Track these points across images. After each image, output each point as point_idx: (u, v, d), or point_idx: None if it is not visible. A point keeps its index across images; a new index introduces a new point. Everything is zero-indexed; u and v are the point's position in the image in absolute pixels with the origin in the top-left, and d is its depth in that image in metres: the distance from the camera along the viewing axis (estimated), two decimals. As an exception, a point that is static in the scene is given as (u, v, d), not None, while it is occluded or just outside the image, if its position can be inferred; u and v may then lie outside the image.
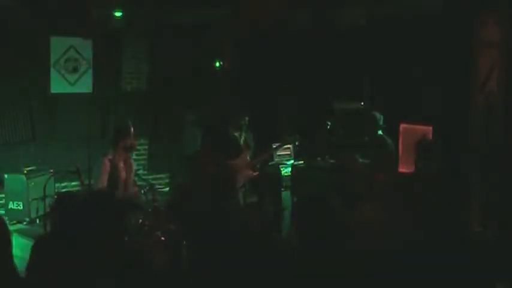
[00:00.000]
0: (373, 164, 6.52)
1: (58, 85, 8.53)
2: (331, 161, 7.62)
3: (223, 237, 4.17)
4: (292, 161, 8.39)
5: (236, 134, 7.30)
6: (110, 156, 6.09)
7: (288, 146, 8.52)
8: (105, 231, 3.81)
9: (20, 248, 4.31)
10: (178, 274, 4.26)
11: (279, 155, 8.48)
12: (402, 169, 6.69)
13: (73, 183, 8.03)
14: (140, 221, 5.43)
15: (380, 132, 7.27)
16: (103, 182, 6.03)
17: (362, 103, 8.44)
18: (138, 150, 8.99)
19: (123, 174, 6.19)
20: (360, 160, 6.18)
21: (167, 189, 8.96)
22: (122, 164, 6.18)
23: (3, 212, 7.83)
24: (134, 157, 7.91)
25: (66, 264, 3.61)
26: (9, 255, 3.34)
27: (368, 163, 6.52)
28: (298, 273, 3.29)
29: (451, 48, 7.29)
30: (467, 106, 6.96)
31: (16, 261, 3.43)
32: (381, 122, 7.23)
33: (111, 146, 6.17)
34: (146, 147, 9.47)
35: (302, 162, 8.07)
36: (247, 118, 7.26)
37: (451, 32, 7.22)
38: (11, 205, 7.88)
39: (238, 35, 9.16)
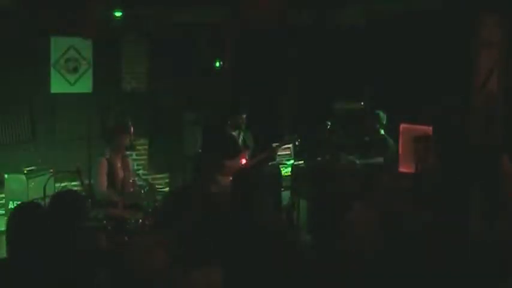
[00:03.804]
0: (371, 165, 6.54)
1: (58, 85, 8.51)
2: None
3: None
4: (292, 161, 8.39)
5: (234, 133, 7.30)
6: (107, 156, 6.10)
7: (288, 146, 8.52)
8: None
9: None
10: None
11: (279, 155, 8.48)
12: (402, 169, 6.69)
13: (73, 183, 8.03)
14: (140, 221, 5.44)
15: (382, 131, 7.30)
16: (101, 181, 6.04)
17: (362, 103, 8.45)
18: (138, 150, 8.99)
19: (120, 173, 6.20)
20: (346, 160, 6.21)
21: (167, 189, 8.96)
22: (119, 164, 6.19)
23: (3, 212, 7.83)
24: (134, 157, 7.93)
25: None
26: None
27: (362, 164, 6.55)
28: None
29: (451, 48, 7.29)
30: (467, 106, 6.96)
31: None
32: (385, 121, 7.26)
33: (107, 145, 6.19)
34: (146, 147, 9.47)
35: (302, 162, 8.07)
36: (245, 117, 7.27)
37: (451, 32, 7.22)
38: (11, 205, 7.86)
39: (238, 35, 9.16)
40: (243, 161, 7.16)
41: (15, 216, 3.62)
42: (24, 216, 3.59)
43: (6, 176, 7.93)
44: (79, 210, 3.92)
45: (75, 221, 3.82)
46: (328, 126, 7.85)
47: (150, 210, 5.57)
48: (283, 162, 8.48)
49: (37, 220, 3.56)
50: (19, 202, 7.64)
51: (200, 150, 8.71)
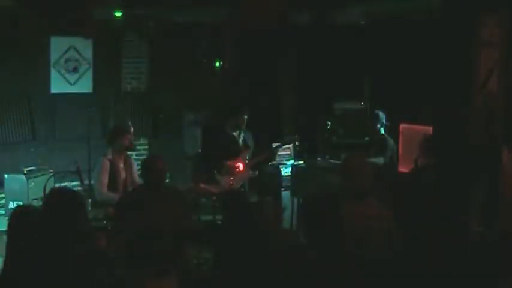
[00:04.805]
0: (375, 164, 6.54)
1: (58, 85, 8.53)
2: (331, 161, 7.62)
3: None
4: (292, 161, 8.39)
5: (235, 133, 7.30)
6: (109, 156, 6.11)
7: (288, 146, 8.52)
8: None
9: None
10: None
11: (279, 155, 8.47)
12: (402, 169, 6.70)
13: (73, 183, 8.03)
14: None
15: (382, 131, 7.30)
16: (103, 181, 6.04)
17: (362, 103, 8.46)
18: (138, 150, 8.99)
19: (122, 174, 6.20)
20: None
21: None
22: (121, 165, 6.20)
23: (3, 212, 7.83)
24: (134, 157, 7.93)
25: None
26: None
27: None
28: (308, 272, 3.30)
29: (451, 48, 7.28)
30: (467, 106, 6.95)
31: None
32: (385, 121, 7.27)
33: (108, 147, 6.20)
34: (146, 147, 9.47)
35: (302, 162, 8.07)
36: (245, 117, 7.26)
37: (451, 32, 7.21)
38: (11, 205, 7.85)
39: (238, 35, 9.16)
40: (240, 164, 7.16)
41: (13, 220, 3.63)
42: (21, 220, 3.61)
43: (6, 176, 7.93)
44: (77, 209, 3.90)
45: (73, 220, 3.81)
46: (328, 126, 7.85)
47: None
48: (283, 162, 8.47)
49: (34, 224, 3.58)
50: (20, 203, 7.71)
51: (200, 150, 8.72)
